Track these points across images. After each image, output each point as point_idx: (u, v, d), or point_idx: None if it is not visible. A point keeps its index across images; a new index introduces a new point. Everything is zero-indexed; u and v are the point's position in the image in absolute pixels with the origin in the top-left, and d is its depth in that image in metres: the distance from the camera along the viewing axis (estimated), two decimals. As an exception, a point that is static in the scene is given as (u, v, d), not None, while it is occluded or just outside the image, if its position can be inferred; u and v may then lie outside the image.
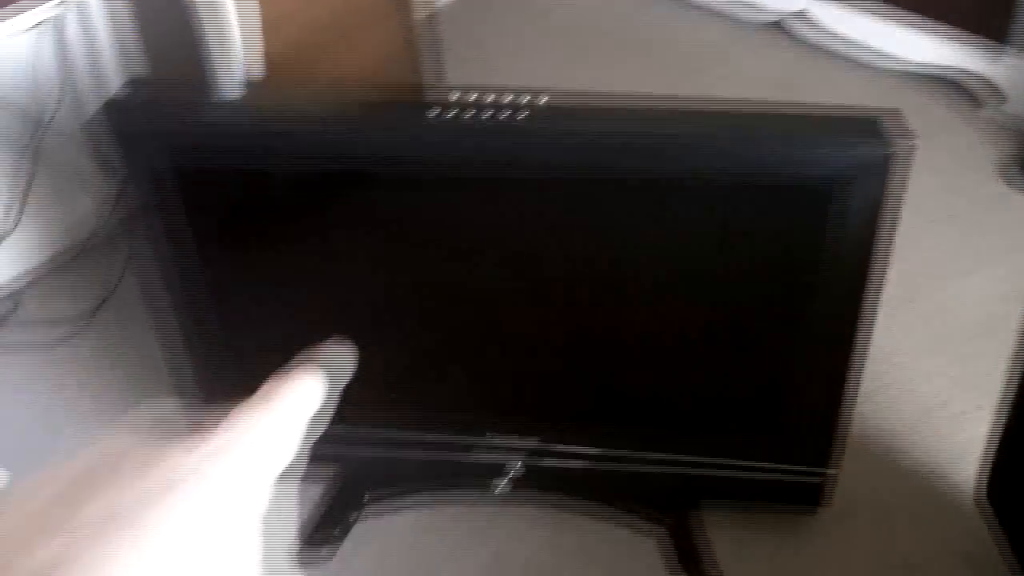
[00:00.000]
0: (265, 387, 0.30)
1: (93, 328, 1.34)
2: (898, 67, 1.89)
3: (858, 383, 0.92)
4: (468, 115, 0.80)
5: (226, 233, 0.92)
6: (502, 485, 1.06)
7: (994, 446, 0.97)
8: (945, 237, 1.50)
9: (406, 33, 1.34)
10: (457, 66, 1.58)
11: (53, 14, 1.28)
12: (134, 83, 0.87)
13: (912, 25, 1.81)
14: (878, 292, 0.86)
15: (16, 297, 1.39)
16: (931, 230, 1.51)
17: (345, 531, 1.06)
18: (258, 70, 1.13)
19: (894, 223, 0.81)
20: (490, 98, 0.81)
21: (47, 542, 0.23)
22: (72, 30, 1.32)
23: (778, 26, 1.95)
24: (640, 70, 1.94)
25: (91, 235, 1.45)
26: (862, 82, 1.90)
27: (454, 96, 0.81)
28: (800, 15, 1.92)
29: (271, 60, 1.15)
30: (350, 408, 1.15)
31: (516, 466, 1.04)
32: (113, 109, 0.83)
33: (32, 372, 1.29)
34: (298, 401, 0.30)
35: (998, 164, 1.66)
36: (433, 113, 0.81)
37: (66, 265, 1.44)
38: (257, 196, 0.88)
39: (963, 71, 1.82)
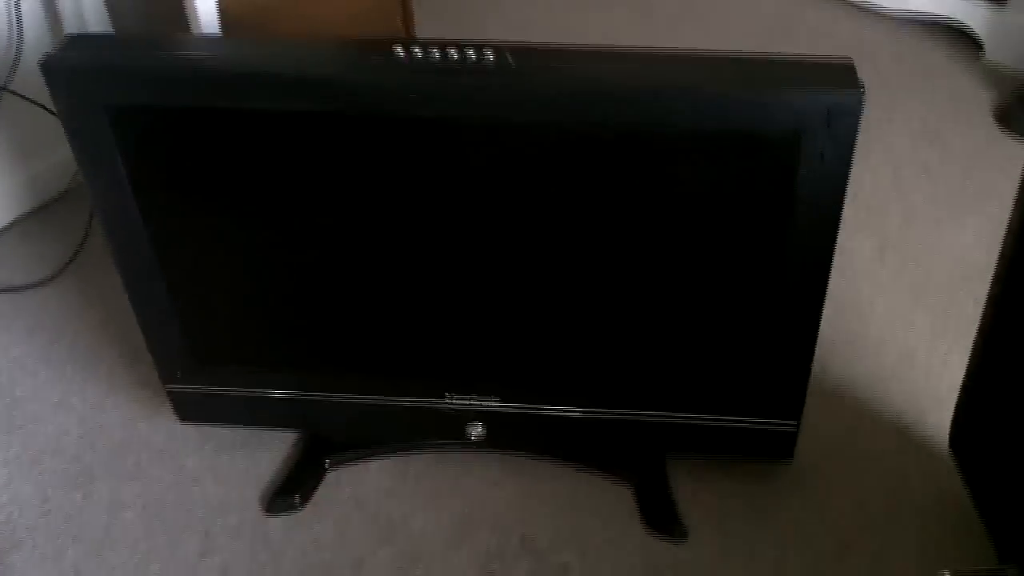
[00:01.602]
0: None
1: (68, 276, 1.35)
2: (897, 11, 1.85)
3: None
4: (431, 55, 0.79)
5: (163, 181, 0.90)
6: (465, 446, 1.06)
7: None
8: (923, 186, 1.47)
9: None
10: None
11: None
12: (75, 38, 0.86)
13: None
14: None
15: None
16: (910, 180, 1.49)
17: (306, 499, 1.06)
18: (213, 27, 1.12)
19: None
20: (455, 46, 0.79)
21: None
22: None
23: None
24: (627, 17, 1.91)
25: (59, 195, 1.45)
26: (861, 26, 1.86)
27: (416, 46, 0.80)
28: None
29: (229, 16, 1.13)
30: (309, 373, 1.11)
31: (477, 428, 1.03)
32: (52, 60, 0.82)
33: (7, 315, 1.30)
34: None
35: (993, 111, 1.62)
36: (395, 51, 0.79)
37: (36, 224, 1.44)
38: (196, 140, 0.86)
39: (962, 19, 1.78)
